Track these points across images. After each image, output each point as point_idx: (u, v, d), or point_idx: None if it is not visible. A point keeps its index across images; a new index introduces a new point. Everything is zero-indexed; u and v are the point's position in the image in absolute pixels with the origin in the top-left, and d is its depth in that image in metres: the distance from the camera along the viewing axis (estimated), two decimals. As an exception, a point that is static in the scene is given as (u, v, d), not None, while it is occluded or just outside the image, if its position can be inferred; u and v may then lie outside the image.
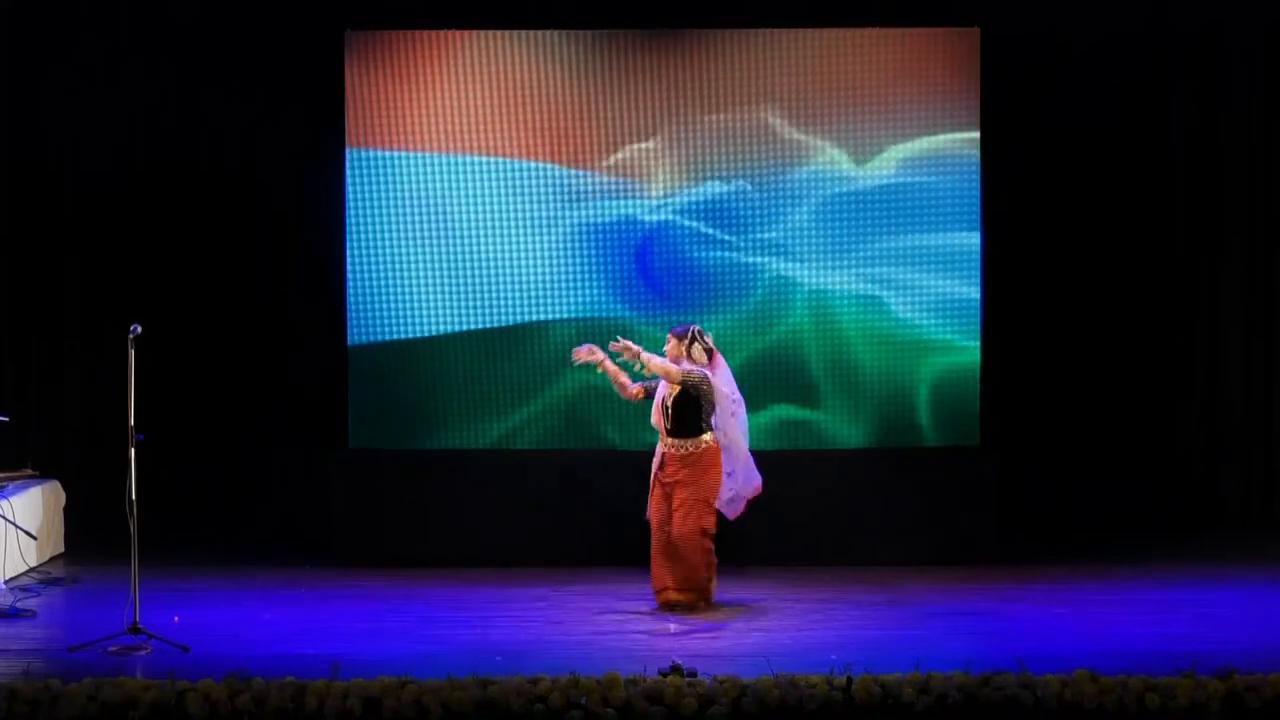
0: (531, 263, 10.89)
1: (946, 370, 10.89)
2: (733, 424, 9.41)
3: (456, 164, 10.88)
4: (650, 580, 9.37)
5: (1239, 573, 10.26)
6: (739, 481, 9.50)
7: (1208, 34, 11.87)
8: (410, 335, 10.90)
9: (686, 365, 9.34)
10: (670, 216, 10.89)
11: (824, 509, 10.67)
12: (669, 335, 9.47)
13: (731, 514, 9.54)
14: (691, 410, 9.31)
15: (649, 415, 9.54)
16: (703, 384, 9.30)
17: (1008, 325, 11.64)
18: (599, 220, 10.88)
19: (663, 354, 9.35)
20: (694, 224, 10.89)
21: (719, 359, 9.49)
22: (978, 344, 10.89)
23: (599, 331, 10.49)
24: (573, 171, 10.86)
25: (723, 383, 9.42)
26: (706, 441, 9.33)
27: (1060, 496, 11.93)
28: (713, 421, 9.35)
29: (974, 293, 10.89)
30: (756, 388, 10.66)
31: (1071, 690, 7.02)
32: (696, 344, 9.37)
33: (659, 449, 9.43)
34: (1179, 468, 11.98)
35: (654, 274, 10.90)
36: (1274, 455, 11.97)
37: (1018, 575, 10.23)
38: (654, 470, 9.44)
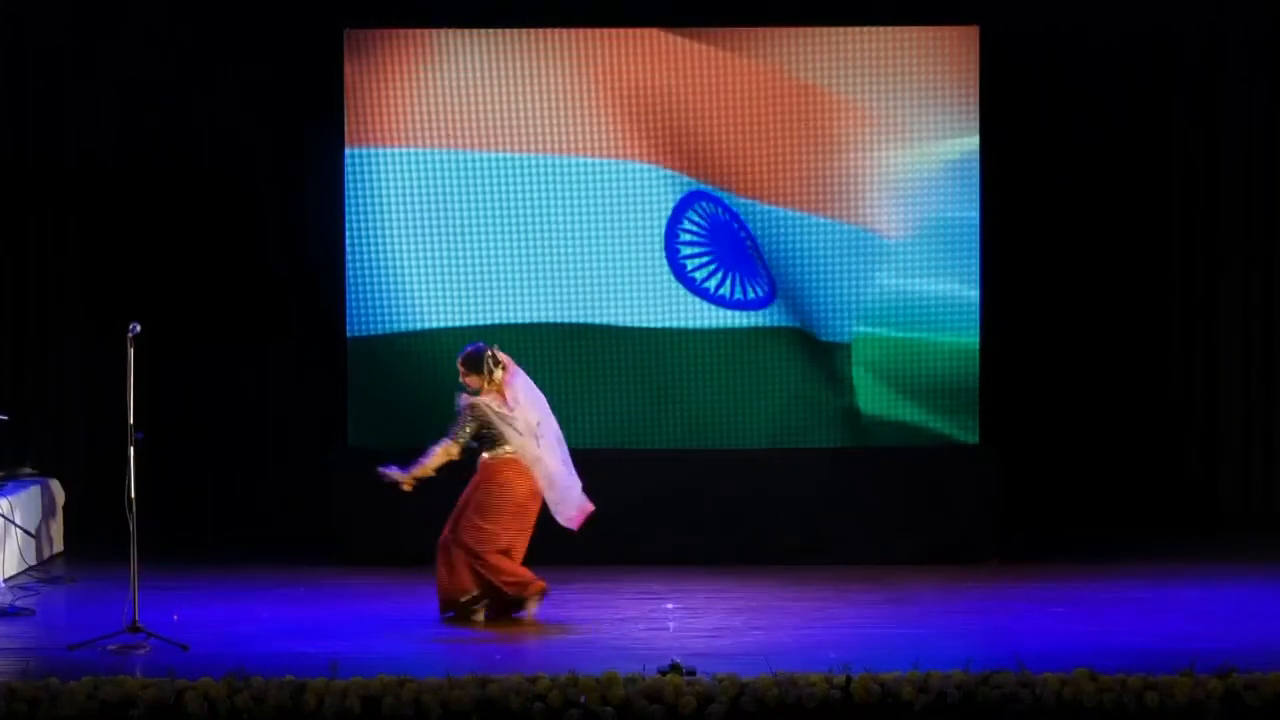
0: (530, 259, 10.89)
1: (946, 369, 10.88)
2: (531, 444, 8.95)
3: (455, 160, 10.87)
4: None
5: (1238, 571, 10.26)
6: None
7: (1208, 34, 11.85)
8: (408, 331, 10.90)
9: (468, 410, 9.00)
10: (669, 214, 10.89)
11: (823, 508, 10.66)
12: (461, 367, 9.00)
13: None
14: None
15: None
16: (481, 415, 8.96)
17: (1007, 324, 11.60)
18: (598, 217, 10.88)
19: (462, 386, 8.99)
20: (692, 221, 10.89)
21: (514, 371, 9.07)
22: (977, 342, 10.88)
23: (598, 329, 10.49)
24: (572, 168, 10.86)
25: (520, 393, 9.00)
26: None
27: (1060, 496, 11.91)
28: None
29: (973, 291, 10.87)
30: (757, 387, 10.68)
31: (1070, 689, 7.01)
32: (495, 370, 8.96)
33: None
34: (1178, 467, 11.97)
35: (653, 270, 10.89)
36: (1274, 455, 11.96)
37: (1018, 575, 10.22)
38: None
